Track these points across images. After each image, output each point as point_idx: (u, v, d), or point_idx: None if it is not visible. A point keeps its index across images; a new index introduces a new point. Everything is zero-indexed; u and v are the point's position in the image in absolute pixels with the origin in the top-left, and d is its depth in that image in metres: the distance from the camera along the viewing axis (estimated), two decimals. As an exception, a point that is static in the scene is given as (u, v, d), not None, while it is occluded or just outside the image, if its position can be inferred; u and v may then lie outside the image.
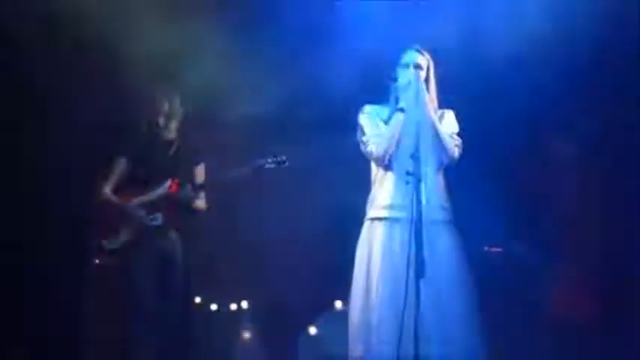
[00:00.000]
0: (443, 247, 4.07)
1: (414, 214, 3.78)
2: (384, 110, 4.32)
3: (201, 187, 4.94)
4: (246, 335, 5.74)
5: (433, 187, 4.08)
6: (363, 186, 4.42)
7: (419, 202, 3.79)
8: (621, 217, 5.17)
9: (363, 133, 4.29)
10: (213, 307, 5.87)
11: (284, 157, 4.85)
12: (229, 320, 5.85)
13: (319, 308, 5.64)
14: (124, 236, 4.80)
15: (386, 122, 4.26)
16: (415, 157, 3.87)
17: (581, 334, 5.10)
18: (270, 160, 4.82)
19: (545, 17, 5.04)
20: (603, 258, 5.20)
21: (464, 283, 4.10)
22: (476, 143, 4.39)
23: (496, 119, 5.21)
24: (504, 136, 5.27)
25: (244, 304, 5.83)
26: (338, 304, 5.50)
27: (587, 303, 5.18)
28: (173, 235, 4.87)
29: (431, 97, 4.27)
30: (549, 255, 5.34)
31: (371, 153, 4.25)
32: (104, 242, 4.80)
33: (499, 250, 5.50)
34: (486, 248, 5.48)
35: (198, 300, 5.84)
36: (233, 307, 5.86)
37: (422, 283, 3.68)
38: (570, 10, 5.00)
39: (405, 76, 4.21)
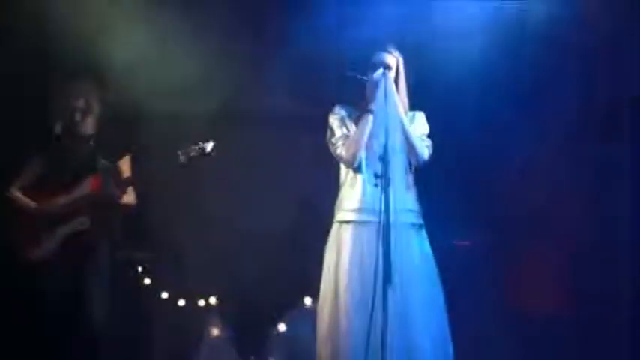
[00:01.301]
0: (411, 251, 4.05)
1: (383, 218, 3.75)
2: (353, 111, 4.25)
3: (128, 181, 4.75)
4: (215, 331, 5.70)
5: (402, 190, 4.02)
6: (333, 183, 4.39)
7: (387, 205, 3.76)
8: (585, 216, 5.26)
9: (333, 135, 4.23)
10: (181, 302, 5.82)
11: (209, 146, 4.66)
12: (197, 316, 5.80)
13: (288, 304, 5.63)
14: (47, 243, 4.59)
15: (356, 123, 4.20)
16: (384, 159, 3.83)
17: (552, 335, 5.18)
18: (195, 148, 4.64)
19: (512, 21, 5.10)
20: (572, 259, 5.29)
21: (432, 288, 4.09)
22: (446, 145, 4.40)
23: (464, 120, 5.25)
24: (473, 137, 5.31)
25: (212, 300, 5.79)
26: (307, 300, 5.48)
27: (559, 308, 5.25)
28: (99, 236, 4.67)
29: (401, 98, 4.21)
30: (516, 256, 5.40)
31: (340, 155, 4.19)
32: (27, 250, 4.60)
33: (466, 243, 5.53)
34: (454, 241, 5.50)
35: (165, 295, 5.81)
36: (201, 302, 5.81)
37: (390, 287, 3.66)
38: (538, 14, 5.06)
39: (374, 77, 4.11)
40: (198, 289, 5.82)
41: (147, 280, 5.82)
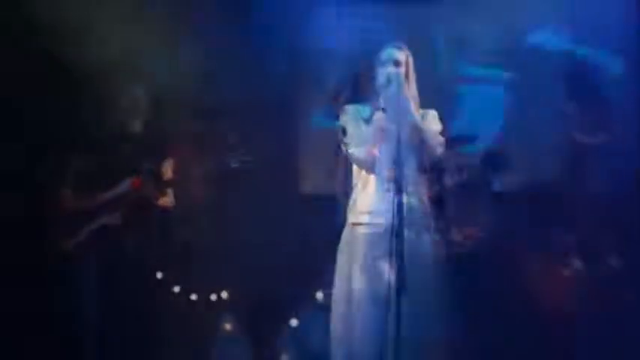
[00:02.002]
0: (423, 253, 4.01)
1: (395, 221, 3.70)
2: (366, 110, 4.18)
3: (168, 183, 4.77)
4: (227, 326, 5.70)
5: (415, 191, 4.02)
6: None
7: (400, 208, 3.71)
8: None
9: (345, 135, 4.15)
10: (193, 297, 5.81)
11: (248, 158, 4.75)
12: (209, 311, 5.80)
13: (301, 299, 5.62)
14: (83, 236, 4.66)
15: (367, 122, 4.12)
16: (397, 159, 3.79)
17: (566, 337, 5.16)
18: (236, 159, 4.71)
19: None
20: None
21: (443, 290, 4.05)
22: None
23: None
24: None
25: (224, 295, 5.78)
26: (319, 295, 5.47)
27: (573, 309, 5.23)
28: (132, 233, 4.73)
29: (412, 94, 4.14)
30: (530, 256, 5.38)
31: (352, 155, 4.13)
32: (62, 243, 4.66)
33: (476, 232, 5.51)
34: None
35: (177, 289, 5.81)
36: (213, 297, 5.80)
37: (402, 290, 3.63)
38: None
39: (384, 74, 4.07)
40: (210, 284, 5.81)
41: (159, 275, 5.80)
